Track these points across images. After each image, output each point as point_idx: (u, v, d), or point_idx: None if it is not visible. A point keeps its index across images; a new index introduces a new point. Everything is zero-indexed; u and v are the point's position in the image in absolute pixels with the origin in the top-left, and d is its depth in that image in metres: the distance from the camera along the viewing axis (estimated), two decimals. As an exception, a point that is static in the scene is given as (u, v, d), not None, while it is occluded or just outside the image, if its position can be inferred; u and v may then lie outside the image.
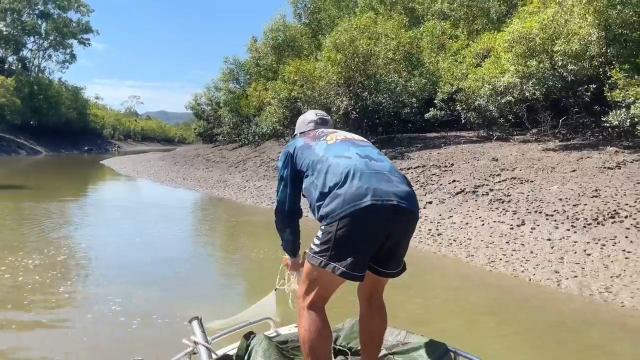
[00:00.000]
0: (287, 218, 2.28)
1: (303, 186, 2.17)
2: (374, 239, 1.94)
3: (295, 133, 2.46)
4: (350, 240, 1.89)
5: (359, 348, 2.22)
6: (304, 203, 2.21)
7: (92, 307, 4.86)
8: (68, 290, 5.46)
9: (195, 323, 2.18)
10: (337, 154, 2.05)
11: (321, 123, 2.42)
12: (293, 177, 2.21)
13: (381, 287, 2.17)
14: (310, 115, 2.48)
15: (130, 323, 4.43)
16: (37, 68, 59.19)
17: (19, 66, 55.35)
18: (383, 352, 2.22)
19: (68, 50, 60.27)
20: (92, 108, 70.16)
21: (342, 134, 2.22)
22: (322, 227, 1.96)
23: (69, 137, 56.66)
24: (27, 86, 48.95)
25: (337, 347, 2.33)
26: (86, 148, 57.12)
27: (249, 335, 2.26)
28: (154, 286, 5.69)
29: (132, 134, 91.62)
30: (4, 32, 52.98)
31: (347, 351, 2.33)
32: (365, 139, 2.27)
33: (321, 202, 1.98)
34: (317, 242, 1.97)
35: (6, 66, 54.04)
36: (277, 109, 18.41)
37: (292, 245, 2.34)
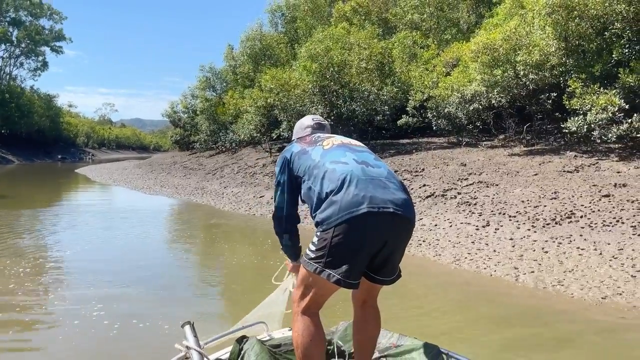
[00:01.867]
0: (285, 224, 2.25)
1: (302, 192, 2.15)
2: (369, 247, 1.93)
3: (292, 139, 2.44)
4: (346, 248, 1.89)
5: (352, 351, 2.24)
6: (302, 211, 2.29)
7: (78, 313, 4.92)
8: (51, 297, 5.59)
9: (187, 328, 2.16)
10: (334, 159, 2.05)
11: (318, 128, 2.43)
12: (290, 182, 2.20)
13: (375, 293, 2.18)
14: (307, 121, 2.48)
15: (114, 328, 4.52)
16: (8, 76, 58.11)
17: (-11, 74, 54.35)
18: (376, 354, 2.24)
19: (40, 58, 59.39)
20: (65, 116, 69.08)
21: (338, 139, 2.22)
22: (318, 234, 1.94)
23: (42, 145, 55.77)
24: (-2, 94, 48.13)
25: (331, 349, 2.33)
26: (60, 157, 56.25)
27: (241, 340, 2.26)
28: (138, 291, 5.79)
29: (107, 142, 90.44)
30: (-26, 40, 52.07)
31: (341, 354, 2.33)
32: (361, 144, 2.26)
33: (318, 208, 1.98)
34: (312, 248, 1.96)
35: (-24, 74, 53.09)
36: (254, 117, 18.70)
37: (292, 250, 2.34)
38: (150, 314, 4.90)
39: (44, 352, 4.17)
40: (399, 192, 1.99)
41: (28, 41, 56.74)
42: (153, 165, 29.38)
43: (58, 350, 4.15)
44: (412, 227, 2.04)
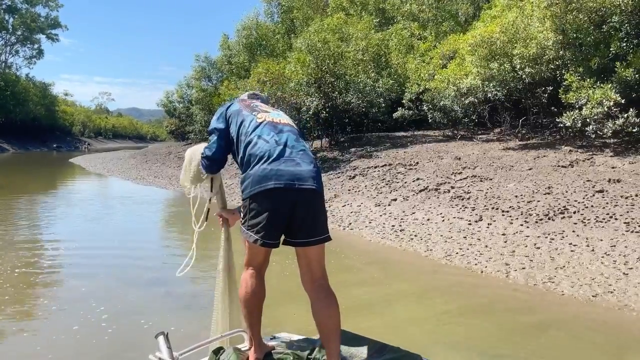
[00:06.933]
0: (215, 167, 2.59)
1: (231, 147, 2.46)
2: (279, 215, 2.20)
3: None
4: (260, 214, 2.20)
5: None
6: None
7: (71, 312, 4.78)
8: (40, 294, 5.49)
9: (160, 338, 2.11)
10: (260, 134, 2.30)
11: (253, 97, 2.69)
12: (225, 132, 2.48)
13: (314, 261, 2.24)
14: (243, 95, 2.76)
15: (107, 330, 4.34)
16: (3, 64, 57.58)
17: (-15, 62, 53.84)
18: None
19: (36, 46, 58.78)
20: (61, 105, 68.55)
21: (270, 117, 2.42)
22: (241, 201, 2.31)
23: (37, 134, 55.35)
24: (-7, 82, 47.74)
25: (312, 358, 2.28)
26: (55, 145, 55.92)
27: (218, 351, 2.23)
28: (132, 293, 5.46)
29: (103, 131, 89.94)
30: (-30, 28, 51.53)
31: None
32: (290, 123, 2.46)
33: (241, 168, 2.33)
34: (241, 211, 2.32)
35: (-29, 62, 52.58)
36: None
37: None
38: (145, 318, 4.65)
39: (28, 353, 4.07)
40: (306, 167, 2.23)
41: (24, 29, 56.16)
42: (148, 156, 29.20)
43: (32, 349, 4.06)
44: (317, 195, 2.26)
